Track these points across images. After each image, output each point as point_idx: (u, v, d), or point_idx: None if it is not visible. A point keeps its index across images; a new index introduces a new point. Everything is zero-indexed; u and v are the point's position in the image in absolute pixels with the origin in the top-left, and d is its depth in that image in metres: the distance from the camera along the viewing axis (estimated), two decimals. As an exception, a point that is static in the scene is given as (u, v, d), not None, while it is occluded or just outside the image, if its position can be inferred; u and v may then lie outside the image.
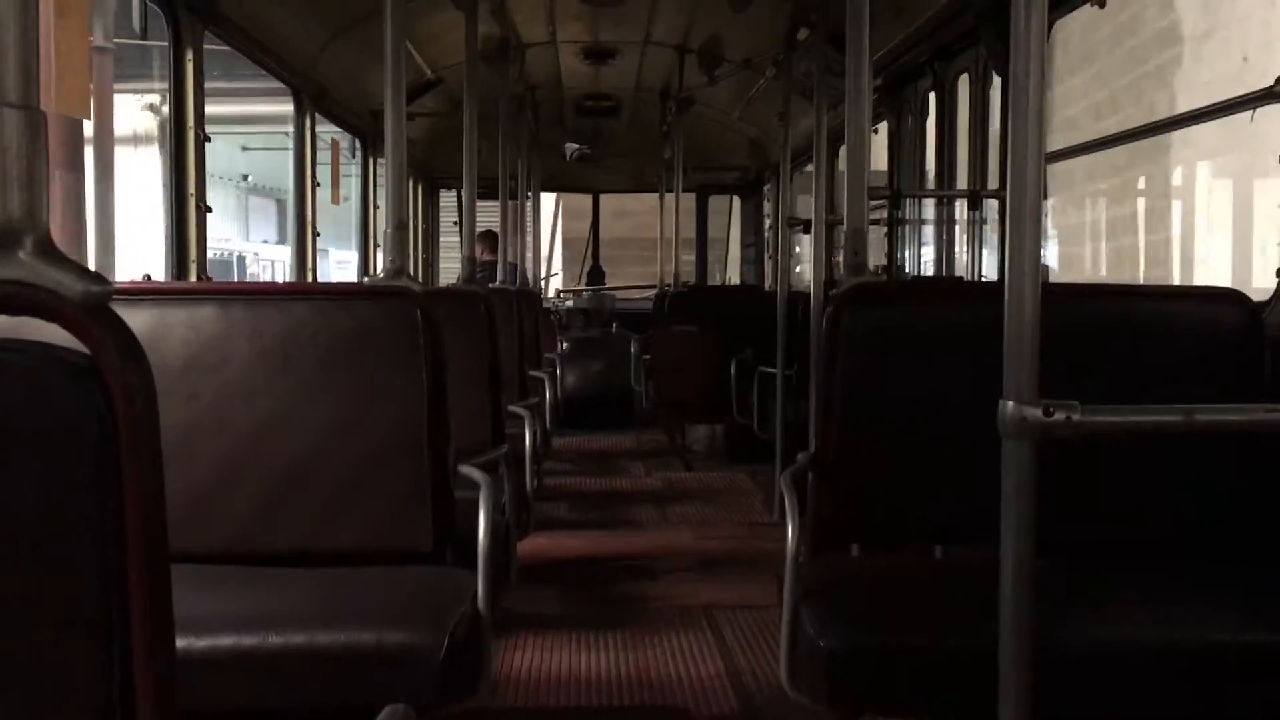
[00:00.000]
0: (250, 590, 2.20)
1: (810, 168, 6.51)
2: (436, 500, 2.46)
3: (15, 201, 0.98)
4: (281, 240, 15.73)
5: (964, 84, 5.52)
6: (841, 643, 1.98)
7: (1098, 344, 2.47)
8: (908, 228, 6.70)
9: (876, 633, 2.01)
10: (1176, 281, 8.00)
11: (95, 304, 0.97)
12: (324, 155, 6.17)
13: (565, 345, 9.66)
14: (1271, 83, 2.86)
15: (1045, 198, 4.84)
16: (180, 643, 1.93)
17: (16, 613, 0.97)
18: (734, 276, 12.81)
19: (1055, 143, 7.73)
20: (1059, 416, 1.53)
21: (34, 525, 0.97)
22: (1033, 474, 1.56)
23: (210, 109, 4.23)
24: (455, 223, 9.87)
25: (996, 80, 5.01)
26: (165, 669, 0.98)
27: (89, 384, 0.96)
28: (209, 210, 4.27)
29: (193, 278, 4.11)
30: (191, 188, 4.19)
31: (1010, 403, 1.54)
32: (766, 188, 10.89)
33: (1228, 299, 2.56)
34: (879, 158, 6.77)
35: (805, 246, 8.73)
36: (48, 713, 0.97)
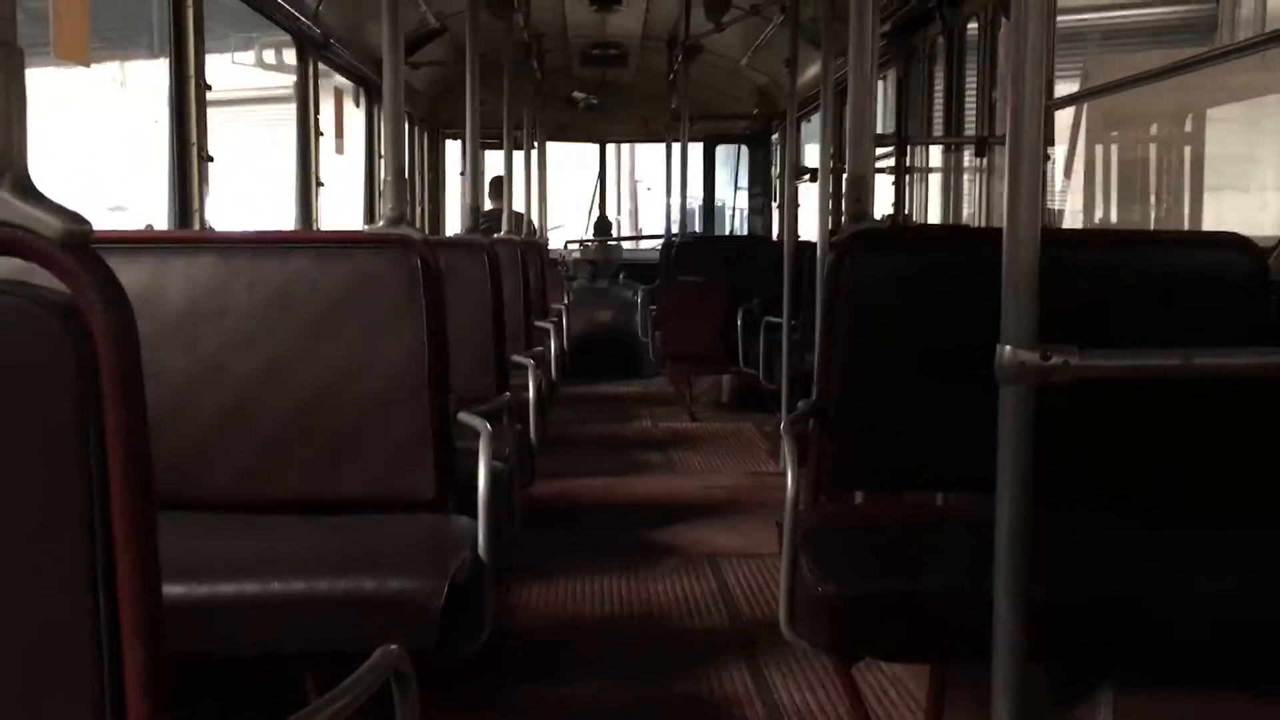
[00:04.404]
0: (251, 537, 2.21)
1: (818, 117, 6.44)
2: (437, 448, 2.46)
3: None
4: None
5: (973, 31, 5.45)
6: (839, 588, 1.98)
7: (1101, 291, 2.44)
8: (915, 176, 6.65)
9: (874, 578, 2.02)
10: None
11: (74, 243, 0.96)
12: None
13: (571, 296, 9.62)
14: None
15: (1050, 143, 4.81)
16: (181, 589, 1.97)
17: None
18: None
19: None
20: (1056, 361, 1.51)
21: (17, 465, 0.96)
22: (1030, 420, 1.54)
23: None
24: (461, 173, 9.81)
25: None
26: (153, 612, 0.97)
27: (69, 322, 0.95)
28: (210, 160, 4.24)
29: (196, 227, 4.09)
30: (193, 137, 4.16)
31: (1008, 347, 1.52)
32: (774, 137, 10.80)
33: (1234, 245, 2.51)
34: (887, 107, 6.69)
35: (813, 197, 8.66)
36: (33, 655, 0.97)
